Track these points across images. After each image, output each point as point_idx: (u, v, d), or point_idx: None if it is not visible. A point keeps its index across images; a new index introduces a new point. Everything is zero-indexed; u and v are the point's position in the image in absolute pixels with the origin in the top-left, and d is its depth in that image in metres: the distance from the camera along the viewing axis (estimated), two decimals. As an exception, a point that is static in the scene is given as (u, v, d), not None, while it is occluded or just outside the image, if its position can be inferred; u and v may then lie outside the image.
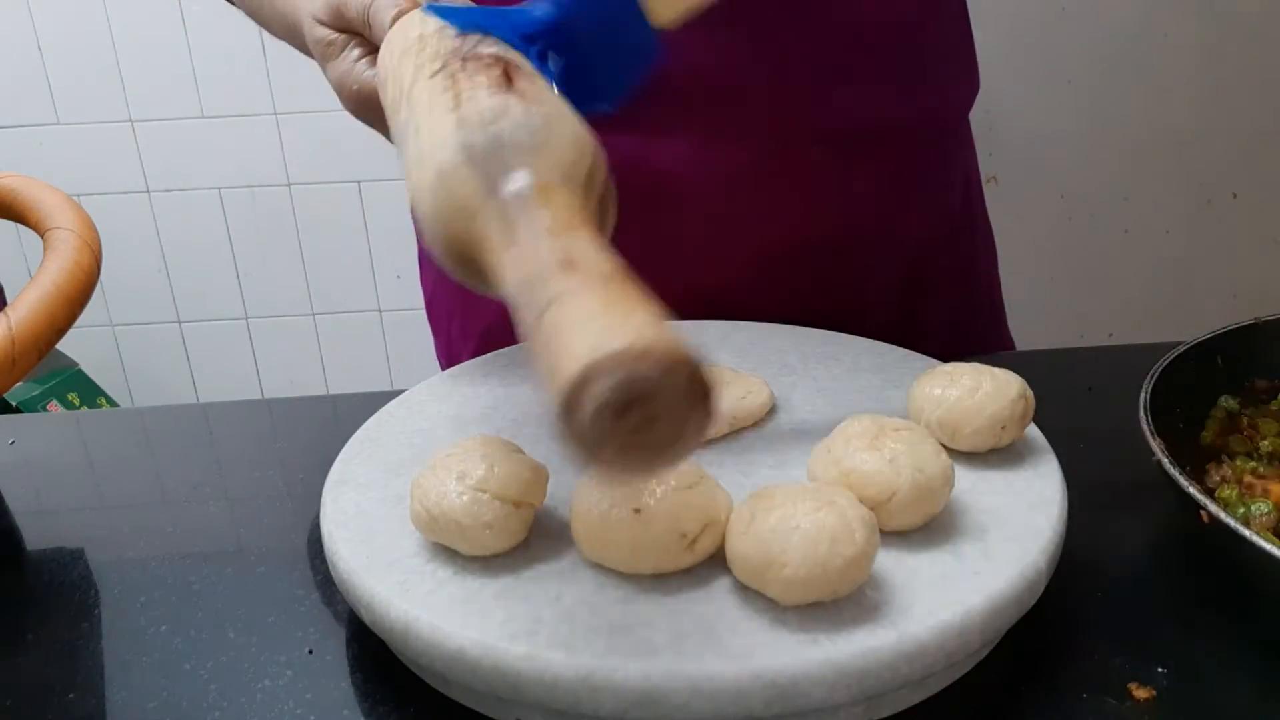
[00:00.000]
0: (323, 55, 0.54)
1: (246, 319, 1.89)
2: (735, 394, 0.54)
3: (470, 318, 0.79)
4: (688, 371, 0.29)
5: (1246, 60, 1.64)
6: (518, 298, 0.32)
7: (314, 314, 1.88)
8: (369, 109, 0.52)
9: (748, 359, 0.60)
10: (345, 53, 0.53)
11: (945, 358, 0.55)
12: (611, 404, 0.28)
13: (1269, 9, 1.61)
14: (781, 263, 0.70)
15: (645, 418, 0.29)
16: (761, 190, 0.69)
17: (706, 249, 0.69)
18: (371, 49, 0.52)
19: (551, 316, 0.30)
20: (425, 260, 0.85)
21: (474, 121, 0.37)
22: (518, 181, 0.35)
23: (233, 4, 0.70)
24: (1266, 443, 0.53)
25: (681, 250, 0.68)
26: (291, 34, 0.60)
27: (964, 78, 0.77)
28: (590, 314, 0.30)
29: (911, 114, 0.72)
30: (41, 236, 0.57)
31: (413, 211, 0.39)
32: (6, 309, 0.51)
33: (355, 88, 0.52)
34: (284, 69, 1.71)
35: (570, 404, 0.28)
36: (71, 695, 0.43)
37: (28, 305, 0.51)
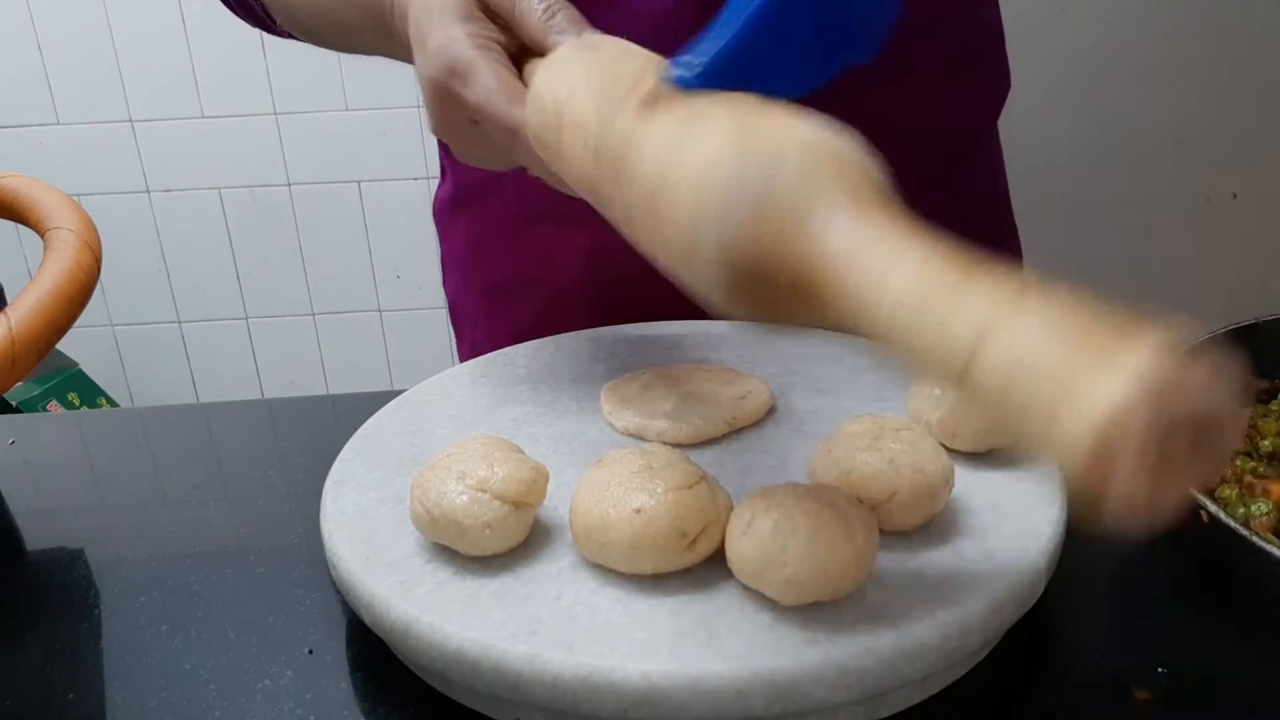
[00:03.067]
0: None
1: (246, 319, 1.89)
2: (735, 394, 0.54)
3: (497, 321, 0.76)
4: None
5: (1246, 60, 1.64)
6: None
7: (314, 314, 1.88)
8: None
9: (748, 359, 0.60)
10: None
11: None
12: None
13: (1269, 9, 1.61)
14: None
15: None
16: None
17: None
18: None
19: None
20: (449, 263, 0.82)
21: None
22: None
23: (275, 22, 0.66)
24: (1266, 443, 0.53)
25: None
26: (370, 15, 0.55)
27: (994, 79, 0.74)
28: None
29: (927, 119, 0.68)
30: (41, 236, 0.57)
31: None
32: (6, 309, 0.51)
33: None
34: (284, 69, 1.71)
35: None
36: (71, 695, 0.43)
37: (28, 305, 0.51)
